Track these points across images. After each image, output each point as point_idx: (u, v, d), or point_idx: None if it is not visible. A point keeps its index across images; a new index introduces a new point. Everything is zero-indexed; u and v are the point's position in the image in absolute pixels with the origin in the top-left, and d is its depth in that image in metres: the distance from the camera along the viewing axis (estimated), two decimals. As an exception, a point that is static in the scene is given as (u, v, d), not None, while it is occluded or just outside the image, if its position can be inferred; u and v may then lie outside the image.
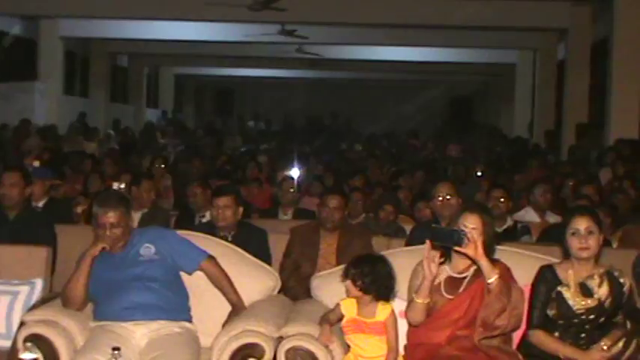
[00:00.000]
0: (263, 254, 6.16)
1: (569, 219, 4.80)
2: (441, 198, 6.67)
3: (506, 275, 4.66)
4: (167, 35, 20.79)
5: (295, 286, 6.31)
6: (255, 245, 6.23)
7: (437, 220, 6.61)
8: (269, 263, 6.09)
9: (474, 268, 4.72)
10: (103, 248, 5.15)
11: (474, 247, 4.54)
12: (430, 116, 30.49)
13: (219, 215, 6.45)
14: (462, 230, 4.56)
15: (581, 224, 4.72)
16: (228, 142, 19.79)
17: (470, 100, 32.53)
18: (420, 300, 4.65)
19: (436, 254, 4.62)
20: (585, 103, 16.49)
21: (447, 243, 4.62)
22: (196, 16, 17.37)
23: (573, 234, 4.74)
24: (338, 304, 4.86)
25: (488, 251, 4.65)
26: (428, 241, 4.61)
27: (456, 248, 4.59)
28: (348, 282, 4.74)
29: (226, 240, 6.17)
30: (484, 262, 4.56)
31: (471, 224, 4.67)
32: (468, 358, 4.55)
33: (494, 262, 4.68)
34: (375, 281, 4.74)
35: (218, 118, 31.29)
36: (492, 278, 4.55)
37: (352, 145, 19.23)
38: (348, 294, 4.78)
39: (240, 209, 6.56)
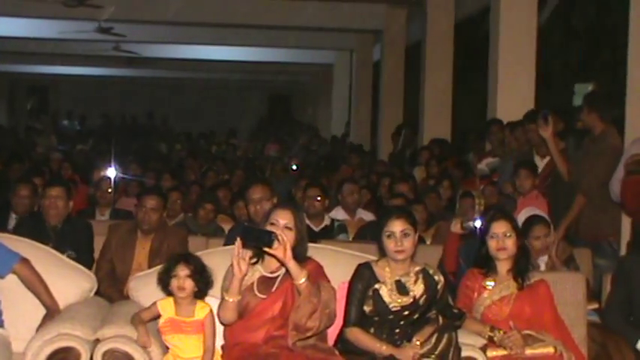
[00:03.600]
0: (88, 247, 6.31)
1: (385, 220, 4.89)
2: (257, 205, 6.51)
3: (316, 274, 4.69)
4: (-21, 31, 19.97)
5: (111, 288, 6.19)
6: (83, 237, 6.45)
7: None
8: (92, 257, 6.18)
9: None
10: None
11: (283, 250, 4.55)
12: (249, 116, 30.57)
13: (51, 205, 6.46)
14: (273, 232, 4.58)
15: (397, 227, 4.82)
16: (42, 141, 19.21)
17: (289, 100, 32.80)
18: (231, 298, 4.64)
19: (247, 253, 4.61)
20: (400, 104, 16.85)
21: (257, 243, 4.62)
22: (10, 11, 16.76)
23: (389, 236, 4.83)
24: (154, 304, 4.79)
25: (302, 248, 4.68)
26: (238, 240, 4.60)
27: (266, 249, 4.60)
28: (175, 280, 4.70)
29: (55, 230, 6.39)
30: (292, 265, 4.57)
31: (283, 220, 4.71)
32: (285, 356, 4.56)
33: (306, 260, 4.72)
34: (196, 279, 4.72)
35: (32, 116, 30.34)
36: (301, 280, 4.57)
37: (172, 145, 19.06)
38: (178, 293, 4.72)
39: (71, 203, 6.63)
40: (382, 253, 4.93)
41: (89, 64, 27.74)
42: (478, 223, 6.14)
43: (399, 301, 4.80)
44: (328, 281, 4.76)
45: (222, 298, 4.70)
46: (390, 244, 4.83)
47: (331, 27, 17.91)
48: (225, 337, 4.81)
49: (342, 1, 16.53)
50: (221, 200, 9.04)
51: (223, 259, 4.95)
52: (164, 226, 6.74)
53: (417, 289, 4.84)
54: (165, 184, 10.14)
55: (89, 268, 5.88)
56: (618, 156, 7.00)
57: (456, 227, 6.37)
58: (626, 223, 6.93)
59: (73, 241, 6.39)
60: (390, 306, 4.79)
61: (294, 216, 4.76)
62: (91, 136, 21.68)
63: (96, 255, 6.53)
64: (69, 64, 27.58)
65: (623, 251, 6.91)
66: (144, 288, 5.21)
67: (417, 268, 4.91)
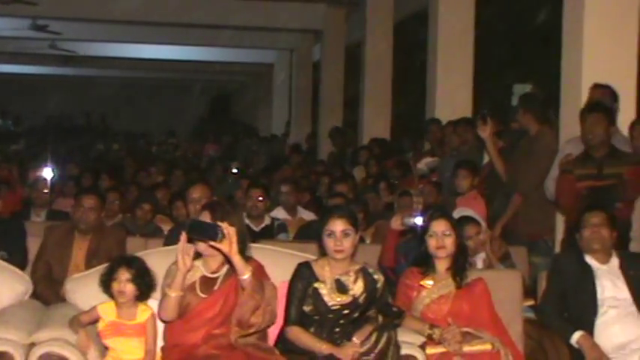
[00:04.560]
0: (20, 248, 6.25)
1: (325, 220, 4.91)
2: (197, 205, 6.35)
3: (259, 272, 4.71)
4: None
5: (47, 290, 6.11)
6: (15, 238, 6.37)
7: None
8: (25, 258, 6.12)
9: (226, 267, 4.74)
10: None
11: (229, 244, 4.55)
12: (189, 115, 30.39)
13: None
14: (219, 226, 4.57)
15: (337, 226, 4.84)
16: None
17: (229, 100, 32.68)
18: (174, 293, 4.62)
19: (191, 248, 4.61)
20: (340, 104, 16.89)
21: (203, 237, 4.61)
22: (-60, 8, 16.47)
23: (329, 235, 4.85)
24: (94, 307, 4.76)
25: (242, 246, 4.67)
26: (184, 234, 4.59)
27: (212, 243, 4.59)
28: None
29: None
30: (237, 260, 4.58)
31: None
32: (225, 357, 4.57)
33: (248, 260, 4.72)
34: (137, 283, 4.70)
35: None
36: (246, 275, 4.58)
37: (110, 145, 18.89)
38: (118, 297, 4.69)
39: None
40: (322, 252, 4.94)
41: (24, 63, 27.34)
42: (418, 220, 6.20)
43: (339, 299, 4.82)
44: (269, 280, 4.77)
45: (164, 295, 4.67)
46: (329, 243, 4.85)
47: (271, 27, 17.90)
48: (164, 338, 4.79)
49: (282, 0, 16.53)
50: (160, 200, 9.00)
51: (163, 259, 4.93)
52: (102, 227, 6.66)
53: (357, 288, 4.86)
54: (103, 184, 10.06)
55: (22, 269, 5.79)
56: (553, 156, 7.11)
57: (396, 223, 6.41)
58: (560, 221, 7.04)
59: (3, 243, 6.30)
60: (330, 305, 4.81)
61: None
62: (25, 136, 21.39)
63: (31, 257, 6.44)
64: (3, 62, 27.16)
65: (557, 249, 7.02)
66: (81, 290, 5.15)
67: (357, 267, 4.93)
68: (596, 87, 6.90)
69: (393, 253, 6.40)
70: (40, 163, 12.17)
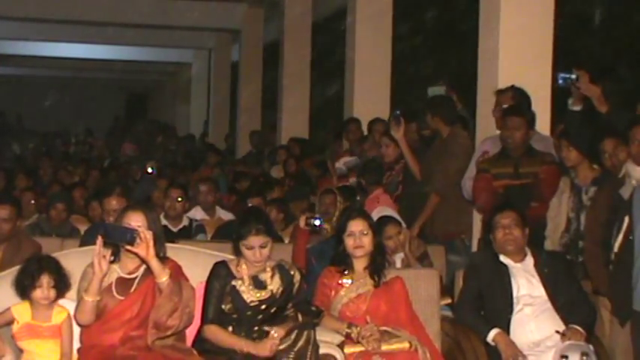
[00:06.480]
0: None
1: (244, 233, 4.84)
2: (113, 216, 6.28)
3: (177, 274, 4.69)
4: None
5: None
6: None
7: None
8: None
9: (144, 267, 4.71)
10: None
11: (145, 247, 4.53)
12: (106, 114, 30.02)
13: None
14: (135, 230, 4.53)
15: (255, 242, 4.79)
16: None
17: (146, 99, 32.37)
18: (90, 298, 4.58)
19: (107, 252, 4.57)
20: (258, 103, 16.86)
21: (119, 241, 4.58)
22: None
23: (250, 248, 4.81)
24: (8, 309, 4.68)
25: (158, 248, 4.65)
26: (99, 238, 4.55)
27: (128, 247, 4.55)
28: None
29: None
30: (154, 263, 4.56)
31: (135, 222, 4.66)
32: (143, 358, 4.54)
33: (165, 260, 4.69)
34: (58, 287, 4.65)
35: None
36: (163, 278, 4.57)
37: (26, 145, 18.55)
38: (41, 301, 4.61)
39: None
40: (238, 254, 4.93)
41: None
42: (317, 222, 6.30)
43: (258, 295, 4.84)
44: (187, 280, 4.75)
45: (81, 299, 4.63)
46: (248, 254, 4.83)
47: (189, 26, 17.79)
48: (81, 339, 4.74)
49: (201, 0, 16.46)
50: (77, 200, 8.89)
51: (79, 260, 4.88)
52: (18, 236, 6.28)
53: (274, 284, 4.89)
54: (19, 184, 9.91)
55: None
56: (469, 155, 7.20)
57: (301, 223, 6.47)
58: (477, 220, 7.12)
59: None
60: (248, 301, 4.82)
61: (146, 217, 4.72)
62: None
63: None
64: None
65: (474, 248, 7.10)
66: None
67: (273, 264, 4.96)
68: (501, 92, 6.98)
69: (303, 253, 6.46)
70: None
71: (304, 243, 6.55)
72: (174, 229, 7.55)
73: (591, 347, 5.17)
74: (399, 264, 6.36)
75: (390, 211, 6.74)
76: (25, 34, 19.96)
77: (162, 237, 4.83)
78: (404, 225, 6.63)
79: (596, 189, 5.89)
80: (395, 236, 6.36)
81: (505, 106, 6.81)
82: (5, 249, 6.14)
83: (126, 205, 6.14)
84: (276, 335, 4.69)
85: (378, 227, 5.73)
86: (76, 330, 4.73)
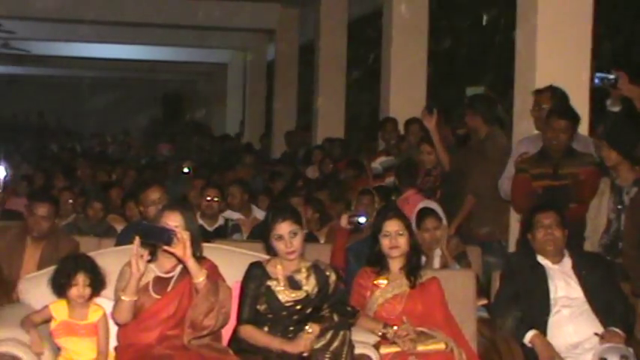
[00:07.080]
0: None
1: (272, 224, 4.87)
2: (152, 207, 6.25)
3: (213, 274, 4.70)
4: None
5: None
6: None
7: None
8: None
9: (180, 267, 4.73)
10: None
11: (182, 247, 4.54)
12: (143, 115, 30.20)
13: None
14: (172, 230, 4.54)
15: (284, 229, 4.82)
16: None
17: (182, 99, 32.53)
18: (128, 298, 4.61)
19: (144, 252, 4.58)
20: (294, 103, 16.89)
21: (156, 241, 4.59)
22: None
23: (278, 239, 4.83)
24: (46, 307, 4.72)
25: (194, 248, 4.66)
26: (137, 238, 4.56)
27: (165, 248, 4.56)
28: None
29: None
30: (191, 263, 4.58)
31: (172, 222, 4.67)
32: (179, 357, 4.55)
33: (201, 260, 4.70)
34: (94, 286, 4.67)
35: None
36: (200, 278, 4.58)
37: (65, 145, 18.69)
38: (78, 300, 4.64)
39: None
40: (272, 253, 4.94)
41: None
42: (362, 219, 6.24)
43: (293, 295, 4.83)
44: (224, 281, 4.76)
45: (118, 298, 4.65)
46: (280, 246, 4.84)
47: (225, 26, 17.85)
48: (118, 338, 4.77)
49: (236, 0, 16.49)
50: (113, 200, 8.94)
51: (116, 259, 4.91)
52: (56, 233, 6.41)
53: (309, 284, 4.87)
54: (57, 183, 9.99)
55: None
56: (506, 156, 7.14)
57: (343, 222, 6.44)
58: (514, 220, 7.07)
59: None
60: (284, 302, 4.81)
61: (183, 217, 4.73)
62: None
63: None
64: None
65: (512, 248, 7.05)
66: (34, 290, 5.09)
67: (308, 264, 4.95)
68: (539, 92, 6.90)
69: (343, 253, 6.43)
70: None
71: (344, 243, 6.53)
72: (210, 229, 7.57)
73: (631, 350, 5.11)
74: (437, 263, 6.32)
75: (434, 205, 6.67)
76: (63, 35, 20.13)
77: (199, 237, 4.84)
78: (444, 221, 6.56)
79: (638, 190, 5.82)
80: (432, 230, 6.30)
81: (544, 106, 6.74)
82: (44, 247, 6.23)
83: (165, 197, 6.23)
84: (310, 331, 4.68)
85: (418, 219, 5.67)
86: (113, 328, 4.76)
